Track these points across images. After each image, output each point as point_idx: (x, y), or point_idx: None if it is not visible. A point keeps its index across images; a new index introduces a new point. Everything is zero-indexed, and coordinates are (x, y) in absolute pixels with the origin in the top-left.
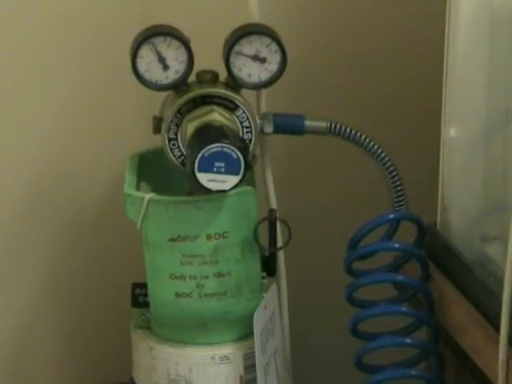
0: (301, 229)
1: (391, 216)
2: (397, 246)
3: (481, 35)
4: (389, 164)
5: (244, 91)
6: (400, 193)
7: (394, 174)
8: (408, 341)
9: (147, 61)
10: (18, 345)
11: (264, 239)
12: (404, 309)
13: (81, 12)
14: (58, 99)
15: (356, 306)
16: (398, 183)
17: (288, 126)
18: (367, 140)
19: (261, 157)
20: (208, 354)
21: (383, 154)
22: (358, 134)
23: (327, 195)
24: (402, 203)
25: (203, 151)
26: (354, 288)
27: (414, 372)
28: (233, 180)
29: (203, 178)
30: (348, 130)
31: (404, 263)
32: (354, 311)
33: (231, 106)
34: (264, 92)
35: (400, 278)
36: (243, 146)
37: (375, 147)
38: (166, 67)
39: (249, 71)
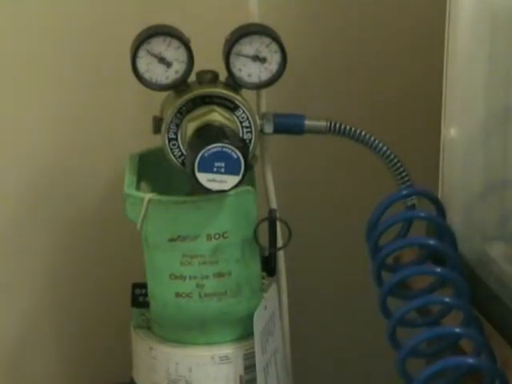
0: (301, 229)
1: (404, 192)
2: (423, 214)
3: (481, 35)
4: (392, 157)
5: (244, 91)
6: (408, 183)
7: (398, 165)
8: (457, 330)
9: (147, 61)
10: (18, 345)
11: (264, 239)
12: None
13: (80, 12)
14: (58, 99)
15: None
16: (403, 174)
17: (288, 125)
18: (367, 136)
19: (261, 157)
20: (208, 354)
21: (385, 148)
22: (358, 132)
23: (327, 195)
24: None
25: (203, 151)
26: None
27: (457, 330)
28: (233, 180)
29: (203, 178)
30: (348, 128)
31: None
32: (354, 311)
33: (231, 106)
34: (264, 92)
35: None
36: (243, 146)
37: (376, 142)
38: (169, 64)
39: (249, 71)
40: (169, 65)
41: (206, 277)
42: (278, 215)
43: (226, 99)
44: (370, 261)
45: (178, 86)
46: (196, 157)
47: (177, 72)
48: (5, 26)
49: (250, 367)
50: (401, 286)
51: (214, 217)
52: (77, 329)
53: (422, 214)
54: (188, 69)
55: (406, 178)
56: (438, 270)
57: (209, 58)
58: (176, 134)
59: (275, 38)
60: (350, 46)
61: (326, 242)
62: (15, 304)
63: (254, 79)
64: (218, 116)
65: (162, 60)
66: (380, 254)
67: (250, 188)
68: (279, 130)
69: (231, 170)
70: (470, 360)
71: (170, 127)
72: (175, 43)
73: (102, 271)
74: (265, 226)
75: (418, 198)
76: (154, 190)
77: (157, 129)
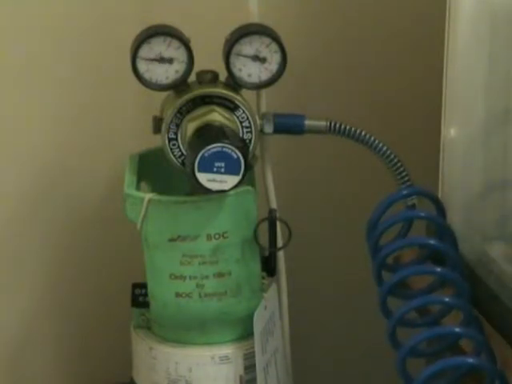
0: (301, 229)
1: (404, 192)
2: (423, 214)
3: (481, 35)
4: (392, 157)
5: (244, 91)
6: (408, 183)
7: (398, 165)
8: (457, 329)
9: (147, 61)
10: (18, 345)
11: (264, 239)
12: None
13: (80, 12)
14: (58, 99)
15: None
16: (403, 174)
17: (288, 125)
18: (367, 136)
19: (261, 157)
20: (208, 353)
21: (385, 148)
22: (358, 131)
23: (327, 195)
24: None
25: (203, 151)
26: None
27: (457, 329)
28: (233, 180)
29: (203, 178)
30: (348, 128)
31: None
32: (354, 311)
33: (231, 106)
34: (264, 92)
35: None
36: (243, 146)
37: (376, 142)
38: (169, 64)
39: (249, 71)
40: (169, 64)
41: (206, 277)
42: (278, 215)
43: (226, 99)
44: (370, 261)
45: (178, 86)
46: (196, 157)
47: (177, 72)
48: (5, 26)
49: (250, 367)
50: (401, 286)
51: (214, 217)
52: (77, 329)
53: (422, 214)
54: (188, 69)
55: (406, 178)
56: (438, 269)
57: (209, 58)
58: (176, 133)
59: (275, 38)
60: (350, 46)
61: (326, 242)
62: (15, 304)
63: (254, 79)
64: (218, 116)
65: (162, 60)
66: (380, 253)
67: (250, 188)
68: (279, 130)
69: (231, 170)
70: (470, 360)
71: (170, 127)
72: (175, 43)
73: (102, 271)
74: (265, 225)
75: (418, 198)
76: (154, 190)
77: (157, 129)
